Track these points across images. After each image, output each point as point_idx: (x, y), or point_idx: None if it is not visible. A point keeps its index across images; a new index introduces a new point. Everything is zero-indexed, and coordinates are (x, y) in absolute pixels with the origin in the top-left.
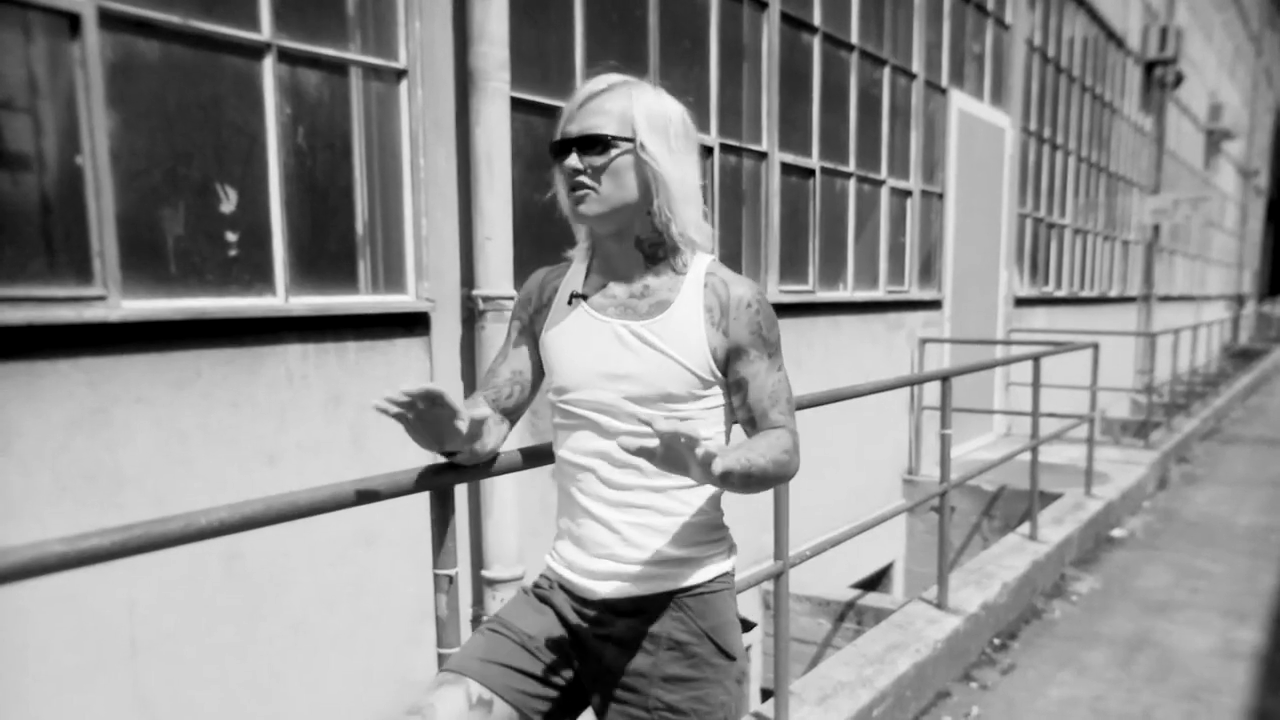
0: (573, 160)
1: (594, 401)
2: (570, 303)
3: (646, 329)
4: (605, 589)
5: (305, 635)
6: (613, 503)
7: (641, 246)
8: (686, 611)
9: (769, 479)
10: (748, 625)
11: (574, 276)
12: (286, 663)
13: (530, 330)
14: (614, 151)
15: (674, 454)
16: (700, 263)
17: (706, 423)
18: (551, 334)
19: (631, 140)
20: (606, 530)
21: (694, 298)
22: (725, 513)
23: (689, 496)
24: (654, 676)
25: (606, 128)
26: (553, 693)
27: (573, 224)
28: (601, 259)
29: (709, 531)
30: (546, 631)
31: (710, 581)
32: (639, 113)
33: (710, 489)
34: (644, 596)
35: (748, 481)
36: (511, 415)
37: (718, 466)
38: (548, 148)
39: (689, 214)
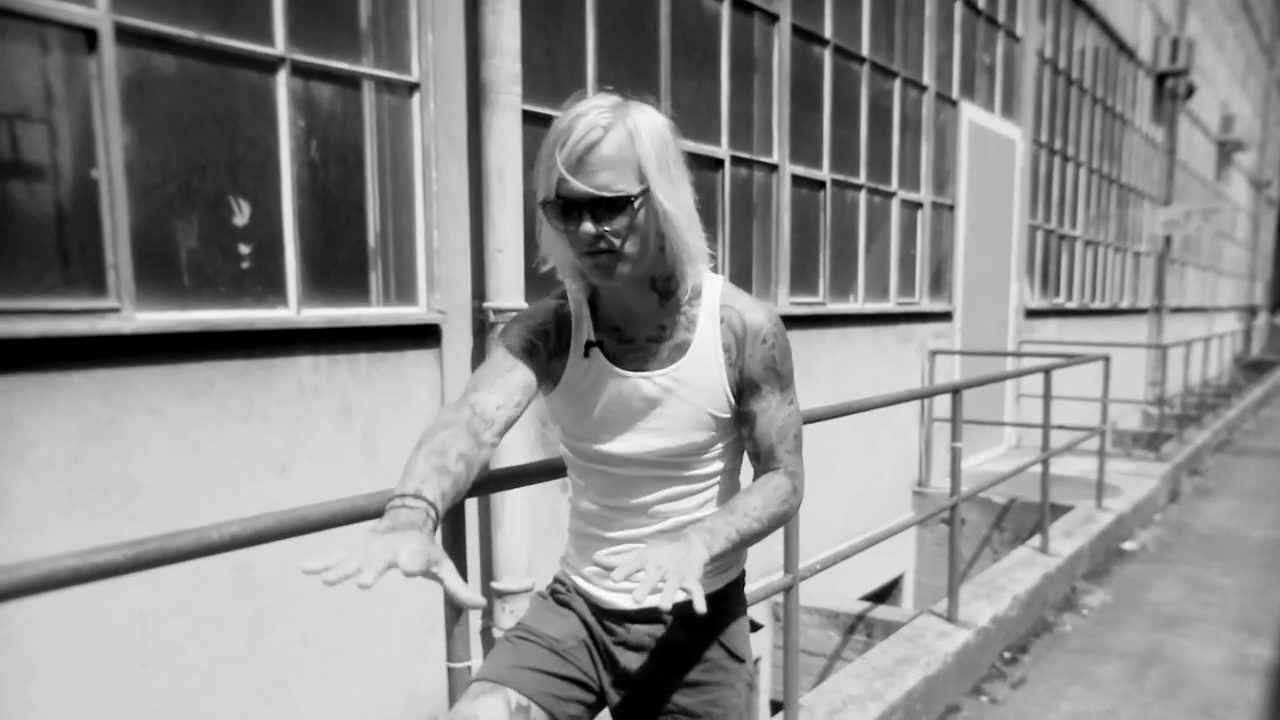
0: (589, 227)
1: (616, 454)
2: (586, 354)
3: (669, 378)
4: (621, 599)
5: (314, 646)
6: (631, 540)
7: (656, 286)
8: (698, 617)
9: (763, 535)
10: (755, 626)
11: (583, 320)
12: (296, 673)
13: (541, 361)
14: (635, 207)
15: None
16: (712, 289)
17: (727, 458)
18: (567, 384)
19: (646, 190)
20: (623, 552)
21: (711, 336)
22: None
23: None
24: (668, 681)
25: (620, 184)
26: (584, 694)
27: (579, 282)
28: (611, 303)
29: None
30: (572, 634)
31: (722, 589)
32: (646, 156)
33: None
34: (659, 605)
35: (739, 548)
36: (508, 429)
37: (696, 545)
38: (541, 205)
39: (696, 244)
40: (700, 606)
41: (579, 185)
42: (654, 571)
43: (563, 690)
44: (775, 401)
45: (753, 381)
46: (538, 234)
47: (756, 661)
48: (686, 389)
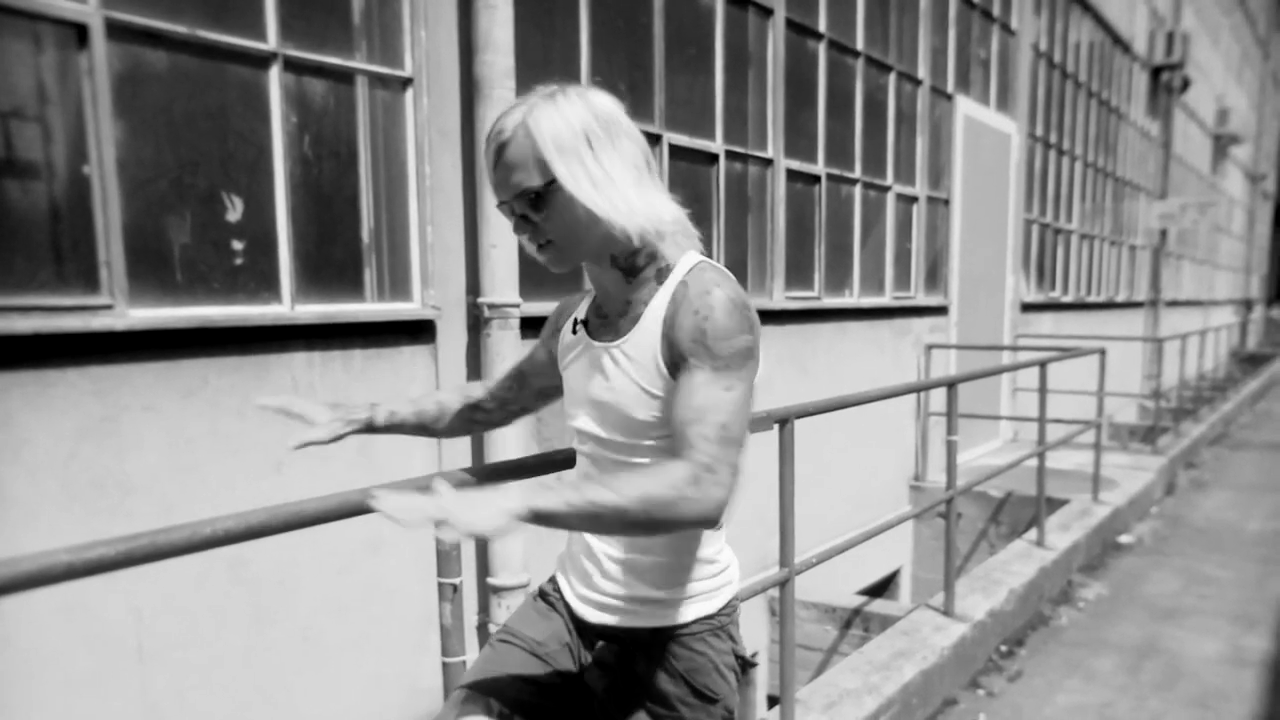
0: (517, 223)
1: (581, 430)
2: (575, 331)
3: (618, 349)
4: (585, 612)
5: (312, 642)
6: (598, 534)
7: (618, 263)
8: (662, 650)
9: (632, 520)
10: (748, 664)
11: (583, 303)
12: (294, 669)
13: (547, 348)
14: (544, 199)
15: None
16: (684, 267)
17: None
18: (561, 364)
19: (554, 181)
20: (590, 559)
21: (659, 307)
22: (724, 545)
23: (674, 537)
24: (628, 705)
25: (529, 180)
26: (567, 699)
27: None
28: (593, 282)
29: (692, 572)
30: (556, 636)
31: (690, 623)
32: (545, 147)
33: (695, 532)
34: (620, 628)
35: (583, 520)
36: (509, 406)
37: (507, 509)
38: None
39: (638, 208)
40: (516, 509)
41: (499, 189)
42: (432, 507)
43: (544, 697)
44: (702, 379)
45: (680, 353)
46: None
47: (755, 655)
48: (628, 361)
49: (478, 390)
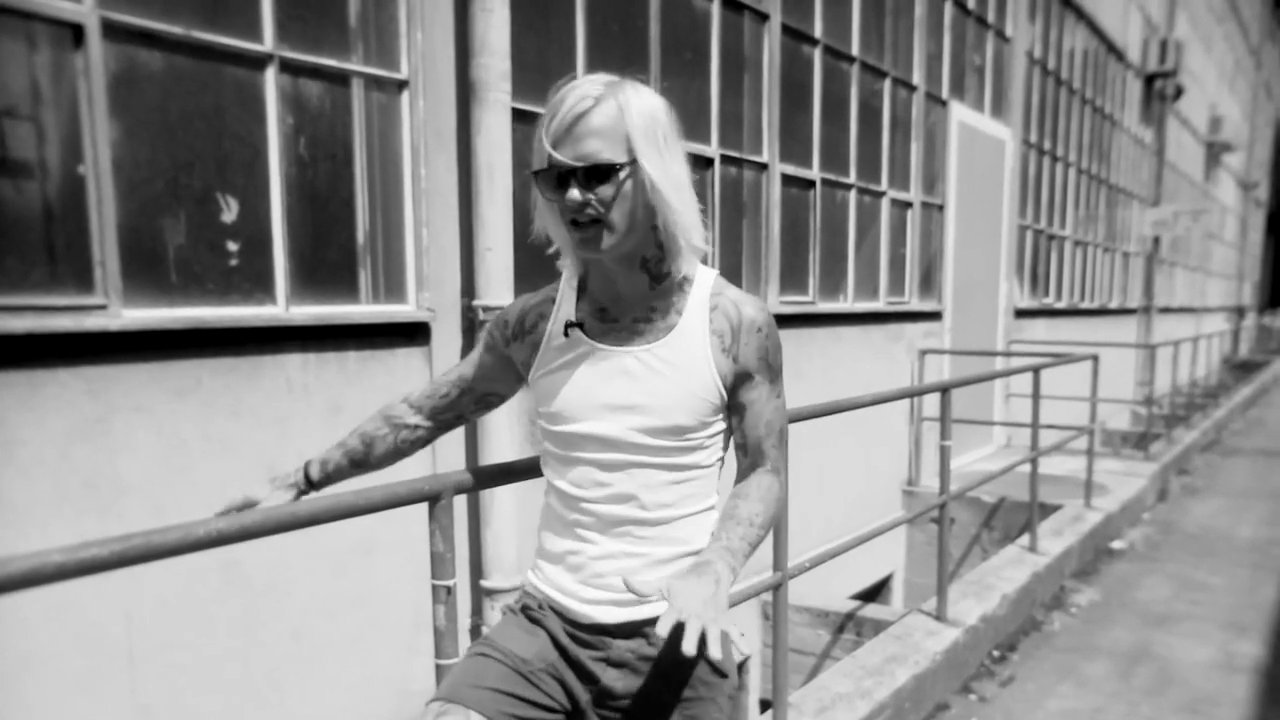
0: (575, 194)
1: (596, 435)
2: (566, 333)
3: (654, 355)
4: (600, 614)
5: (304, 643)
6: (611, 535)
7: (648, 266)
8: (682, 633)
9: (763, 540)
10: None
11: (565, 303)
12: (286, 671)
13: (498, 352)
14: (621, 176)
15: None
16: (705, 278)
17: (710, 450)
18: (545, 367)
19: (634, 161)
20: (604, 560)
21: (700, 319)
22: None
23: (685, 529)
24: (652, 697)
25: (608, 153)
26: (549, 717)
27: (571, 257)
28: (600, 283)
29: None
30: (540, 654)
31: None
32: (635, 127)
33: (707, 522)
34: (640, 620)
35: (751, 554)
36: (441, 416)
37: (725, 576)
38: (533, 175)
39: (690, 218)
40: (715, 653)
41: (568, 152)
42: (694, 623)
43: (526, 712)
44: (765, 393)
45: (746, 371)
46: (532, 209)
47: (747, 660)
48: (670, 366)
49: (401, 410)
